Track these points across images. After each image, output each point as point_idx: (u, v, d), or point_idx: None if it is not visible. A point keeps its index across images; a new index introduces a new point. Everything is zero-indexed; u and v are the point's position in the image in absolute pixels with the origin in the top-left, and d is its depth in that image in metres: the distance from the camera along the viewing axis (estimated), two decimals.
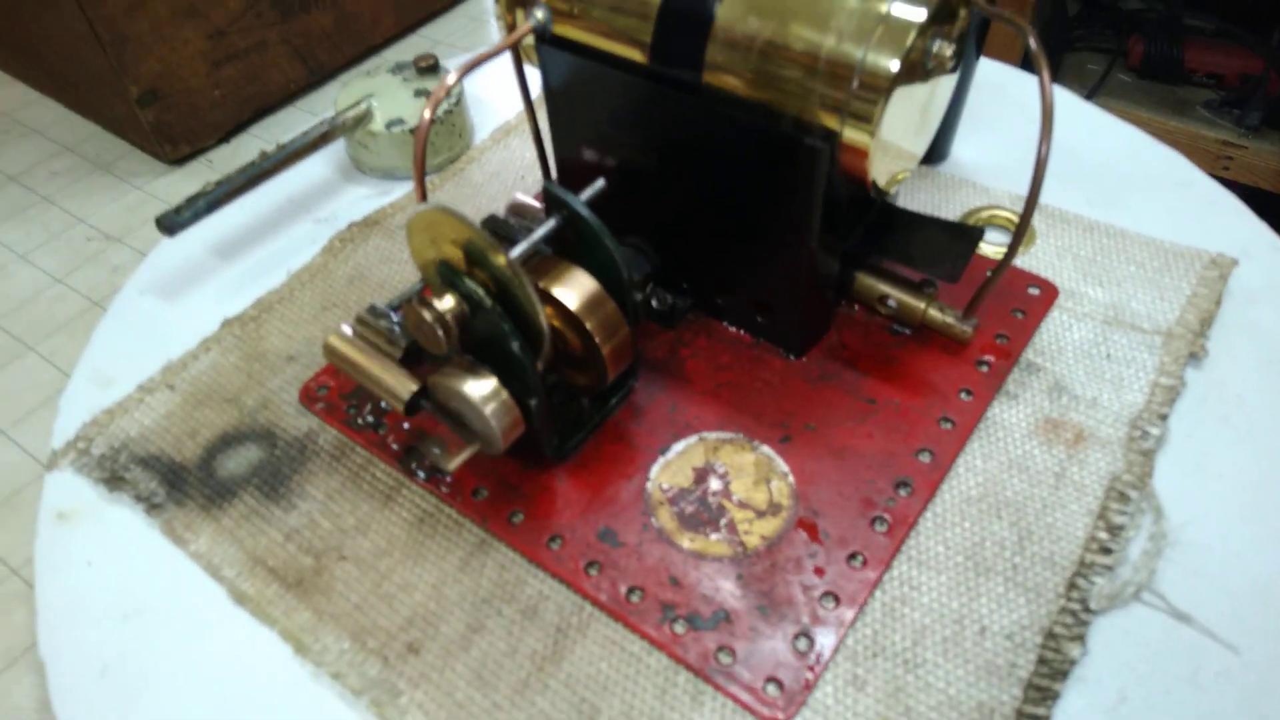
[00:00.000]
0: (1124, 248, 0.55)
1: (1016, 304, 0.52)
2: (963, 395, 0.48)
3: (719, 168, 0.45)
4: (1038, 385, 0.49)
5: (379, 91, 0.64)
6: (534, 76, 0.50)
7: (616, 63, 0.45)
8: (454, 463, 0.42)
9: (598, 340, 0.43)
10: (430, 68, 0.65)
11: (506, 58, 0.73)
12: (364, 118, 0.62)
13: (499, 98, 0.71)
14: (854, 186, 0.43)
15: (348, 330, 0.46)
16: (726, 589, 0.42)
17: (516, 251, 0.43)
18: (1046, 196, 0.59)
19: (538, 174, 0.64)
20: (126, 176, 1.60)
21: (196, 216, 0.55)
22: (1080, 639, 0.40)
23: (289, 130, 1.60)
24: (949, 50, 0.40)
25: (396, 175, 0.64)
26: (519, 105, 0.70)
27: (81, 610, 0.43)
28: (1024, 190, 0.59)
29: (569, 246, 0.45)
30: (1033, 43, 0.40)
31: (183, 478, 0.47)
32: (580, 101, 0.49)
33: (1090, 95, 1.23)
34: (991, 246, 0.56)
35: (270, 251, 0.60)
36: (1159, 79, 1.23)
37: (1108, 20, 1.31)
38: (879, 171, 0.42)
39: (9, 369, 1.31)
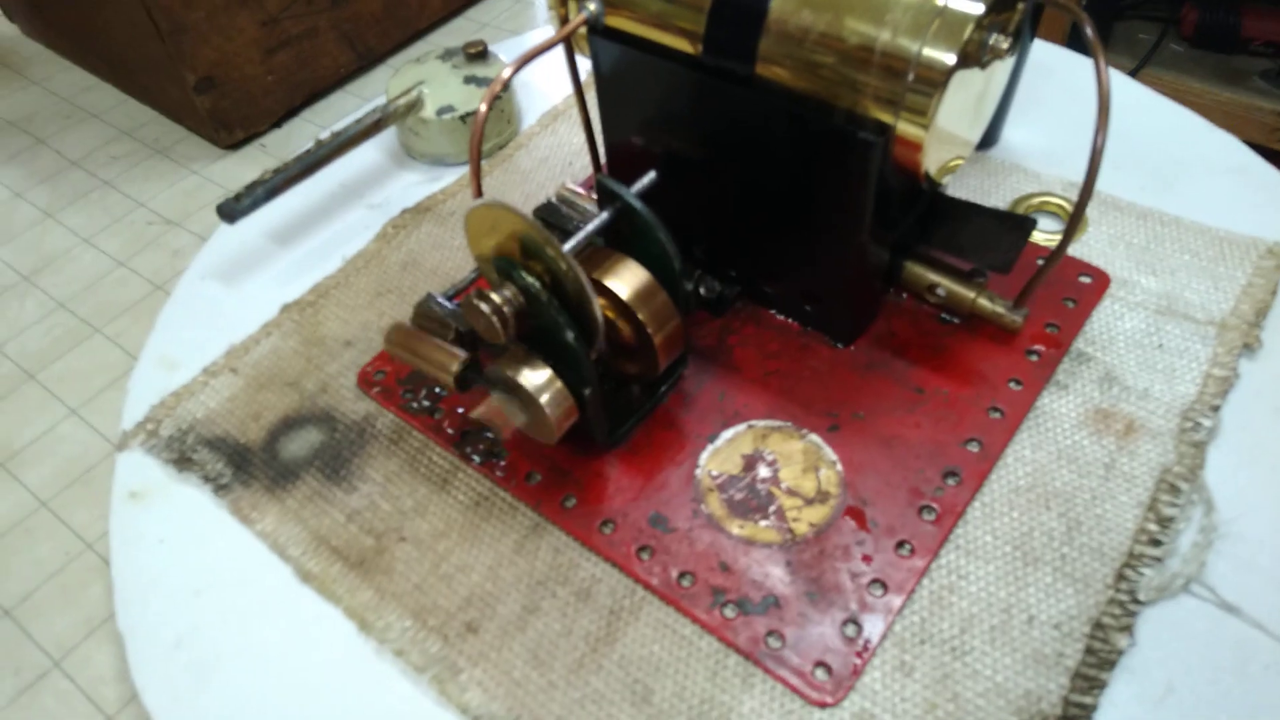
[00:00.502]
0: (1178, 236, 0.54)
1: (1068, 293, 0.52)
2: (1012, 385, 0.48)
3: (770, 158, 0.45)
4: (1088, 375, 0.49)
5: (430, 79, 0.65)
6: (584, 65, 0.51)
7: (668, 54, 0.46)
8: (508, 428, 0.43)
9: (650, 330, 0.44)
10: (480, 54, 0.65)
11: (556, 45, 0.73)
12: (415, 105, 0.63)
13: (546, 83, 0.72)
14: (906, 178, 0.43)
15: (407, 320, 0.47)
16: (775, 575, 0.42)
17: (570, 244, 0.43)
18: (1099, 183, 0.58)
19: (585, 160, 0.64)
20: (184, 161, 1.64)
21: (255, 204, 0.57)
22: (1128, 630, 0.40)
23: (339, 115, 1.67)
24: (1005, 43, 0.40)
25: (447, 161, 0.65)
26: (566, 91, 0.71)
27: (156, 586, 0.45)
28: (1076, 176, 0.59)
29: (621, 237, 0.45)
30: (1090, 31, 0.40)
31: (248, 459, 0.49)
32: (631, 91, 0.49)
33: (1140, 66, 1.20)
34: (1043, 234, 0.55)
35: (325, 237, 0.62)
36: (1213, 48, 1.19)
37: None
38: (932, 163, 0.42)
39: (77, 350, 1.35)
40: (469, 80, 0.65)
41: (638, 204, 0.43)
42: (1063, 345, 0.50)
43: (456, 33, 1.90)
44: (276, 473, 0.49)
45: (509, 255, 0.42)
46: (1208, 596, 0.41)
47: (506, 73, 0.44)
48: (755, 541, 0.44)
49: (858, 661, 0.40)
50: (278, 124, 1.71)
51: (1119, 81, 0.66)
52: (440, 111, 0.63)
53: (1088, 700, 0.38)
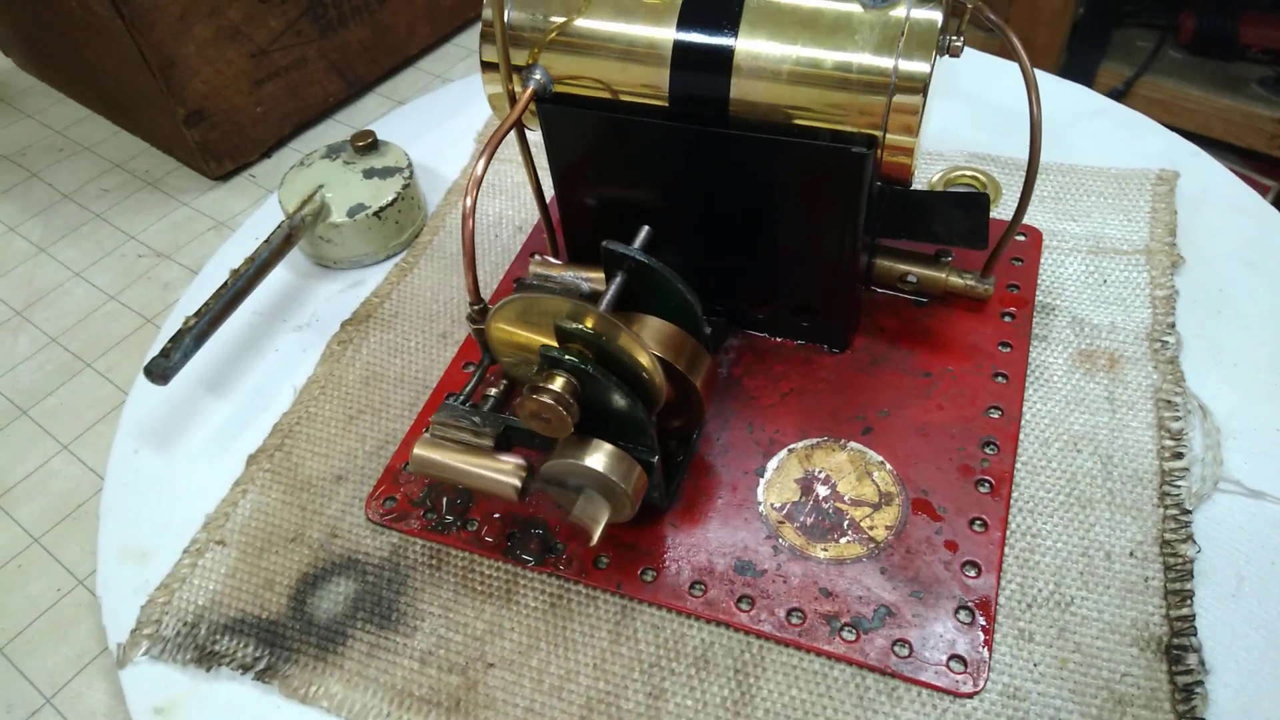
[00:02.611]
0: (1079, 182, 0.60)
1: (1012, 253, 0.56)
2: (1002, 348, 0.52)
3: (754, 189, 0.46)
4: (1059, 323, 0.53)
5: (326, 180, 0.61)
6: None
7: (630, 109, 0.46)
8: (597, 532, 0.41)
9: (690, 378, 0.44)
10: (371, 144, 0.62)
11: (430, 107, 0.71)
12: (321, 211, 0.59)
13: (437, 158, 0.69)
14: (893, 183, 0.45)
15: (428, 436, 0.44)
16: (876, 585, 0.43)
17: (603, 307, 0.42)
18: (992, 149, 0.63)
19: (510, 229, 0.63)
20: (174, 193, 1.66)
21: (186, 356, 0.51)
22: (1190, 539, 0.44)
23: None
24: (960, 42, 0.43)
25: (365, 262, 0.61)
26: (459, 162, 0.68)
27: None
28: (976, 148, 0.64)
29: (630, 296, 0.45)
30: (1013, 38, 0.43)
31: (281, 633, 0.44)
32: (591, 152, 0.48)
33: (1139, 73, 1.19)
34: None
35: (262, 373, 0.56)
36: (1211, 55, 1.19)
37: None
38: (918, 165, 0.44)
39: (69, 385, 1.36)
40: (370, 174, 0.61)
41: (653, 262, 0.43)
42: (1028, 302, 0.54)
43: (445, 58, 1.90)
44: (320, 638, 0.44)
45: (545, 343, 0.40)
46: (1236, 489, 0.46)
47: (480, 166, 0.42)
48: (844, 559, 0.44)
49: (984, 644, 0.41)
50: (267, 154, 1.71)
51: (971, 55, 0.72)
52: (351, 212, 0.59)
53: (1185, 612, 0.41)
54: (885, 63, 0.41)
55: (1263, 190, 1.28)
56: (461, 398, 0.46)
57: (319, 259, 0.62)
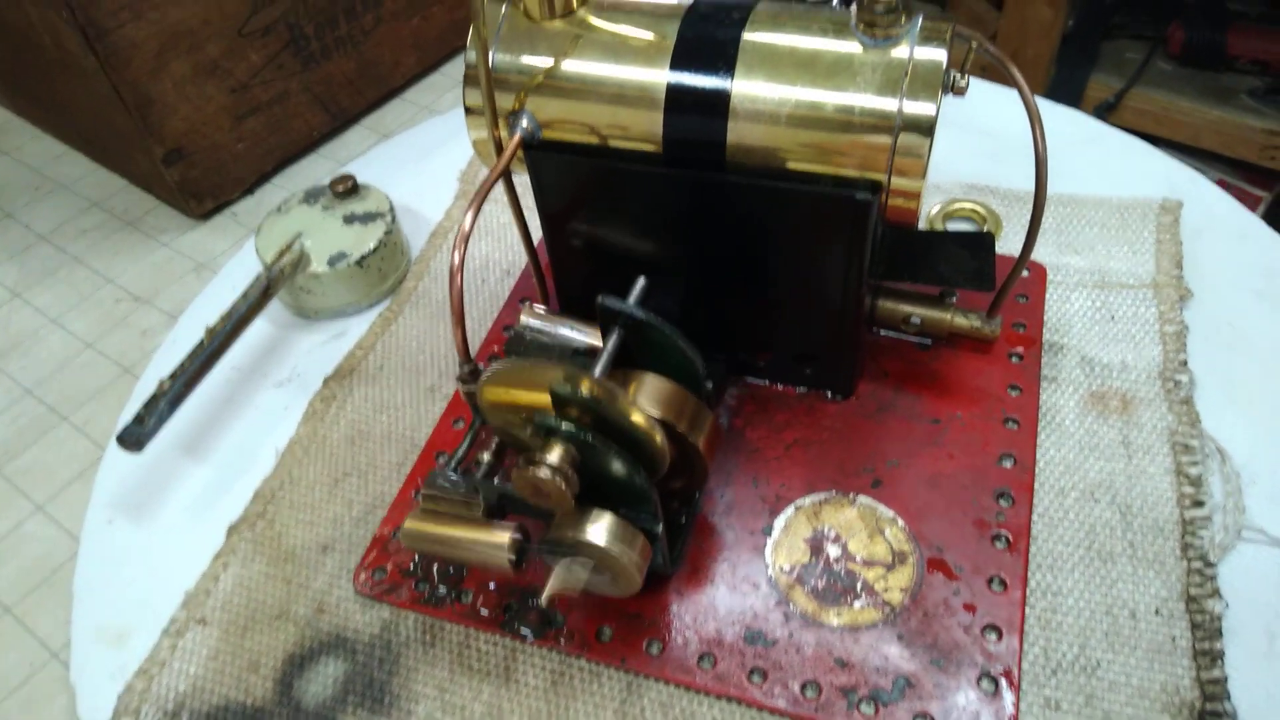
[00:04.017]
0: (1081, 213, 0.59)
1: (1017, 290, 0.54)
2: (1012, 391, 0.50)
3: (753, 236, 0.44)
4: (1068, 363, 0.51)
5: (305, 228, 0.58)
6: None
7: (623, 155, 0.44)
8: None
9: (692, 439, 0.42)
10: (351, 189, 0.60)
11: (413, 142, 0.69)
12: (300, 261, 0.56)
13: (419, 200, 0.67)
14: (897, 227, 0.43)
15: (419, 508, 0.42)
16: (894, 654, 0.41)
17: (597, 373, 0.40)
18: (990, 178, 0.62)
19: (497, 273, 0.60)
20: (154, 233, 1.62)
21: (161, 422, 0.48)
22: (1216, 593, 0.42)
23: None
24: (964, 80, 0.41)
25: (348, 312, 0.59)
26: (443, 203, 0.66)
27: None
28: (973, 179, 0.62)
29: (627, 351, 0.43)
30: (1016, 74, 0.42)
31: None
32: (581, 200, 0.46)
33: (1130, 85, 1.20)
34: None
35: (242, 435, 0.54)
36: (1200, 67, 1.19)
37: (1146, 6, 1.26)
38: (924, 208, 0.42)
39: (43, 441, 1.30)
40: (350, 220, 0.59)
41: (651, 318, 0.41)
42: (1035, 341, 0.52)
43: (431, 88, 1.87)
44: None
45: (540, 410, 0.38)
46: (1260, 538, 0.44)
47: (468, 222, 0.40)
48: (859, 626, 0.42)
49: (1011, 716, 0.39)
50: (249, 191, 1.67)
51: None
52: (332, 261, 0.57)
53: (1216, 674, 0.40)
54: (889, 104, 0.39)
55: (1255, 200, 1.28)
56: (453, 461, 0.44)
57: (299, 310, 0.59)
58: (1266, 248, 0.57)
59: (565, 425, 0.37)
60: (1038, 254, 0.57)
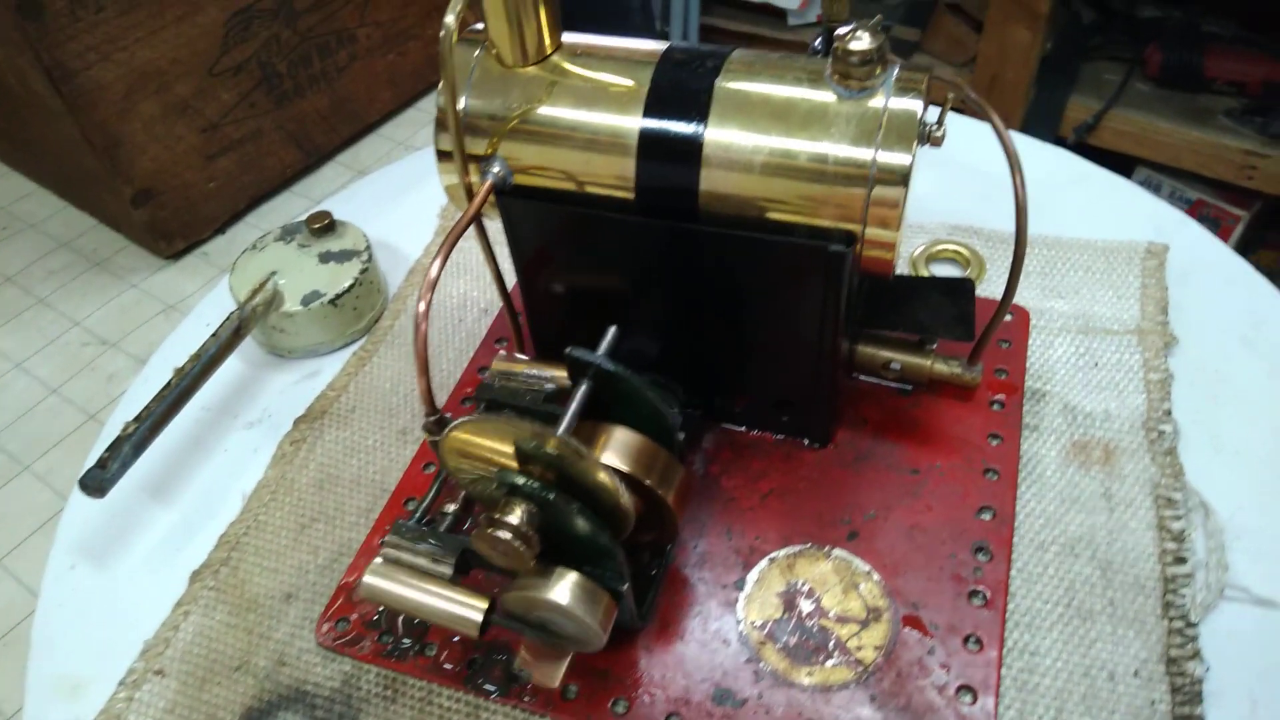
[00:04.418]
0: (1065, 255, 0.58)
1: (999, 334, 0.54)
2: (992, 440, 0.49)
3: (727, 285, 0.44)
4: (1050, 411, 0.50)
5: (280, 266, 0.57)
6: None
7: (596, 202, 0.43)
8: (557, 677, 0.38)
9: (661, 494, 0.41)
10: (327, 226, 0.59)
11: (391, 179, 0.68)
12: (274, 300, 0.56)
13: (398, 237, 0.66)
14: (873, 276, 0.42)
15: (380, 562, 0.41)
16: (866, 716, 0.40)
17: (561, 431, 0.39)
18: (973, 218, 0.61)
19: (474, 313, 0.60)
20: (123, 274, 1.59)
21: (125, 467, 0.48)
22: (1197, 655, 0.41)
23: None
24: (940, 131, 0.40)
25: (322, 351, 0.58)
26: (421, 240, 0.65)
27: None
28: (954, 217, 0.61)
29: (599, 401, 0.42)
30: (997, 121, 0.41)
31: None
32: (555, 246, 0.46)
33: (1108, 106, 1.21)
34: None
35: (209, 477, 0.53)
36: (1178, 88, 1.20)
37: (1124, 28, 1.27)
38: (900, 258, 0.42)
39: (4, 491, 1.27)
40: (326, 258, 0.58)
41: (621, 370, 0.40)
42: (1017, 388, 0.51)
43: (408, 123, 1.86)
44: None
45: (503, 467, 0.37)
46: (1242, 596, 0.43)
47: (435, 270, 0.39)
48: (831, 686, 0.41)
49: None
50: (221, 230, 1.65)
51: (952, 119, 0.70)
52: (306, 300, 0.56)
53: None
54: (863, 154, 0.38)
55: (1234, 220, 1.28)
56: (419, 511, 0.43)
57: (272, 348, 0.58)
58: (1254, 292, 0.57)
59: (528, 483, 0.36)
60: (1021, 297, 0.56)
